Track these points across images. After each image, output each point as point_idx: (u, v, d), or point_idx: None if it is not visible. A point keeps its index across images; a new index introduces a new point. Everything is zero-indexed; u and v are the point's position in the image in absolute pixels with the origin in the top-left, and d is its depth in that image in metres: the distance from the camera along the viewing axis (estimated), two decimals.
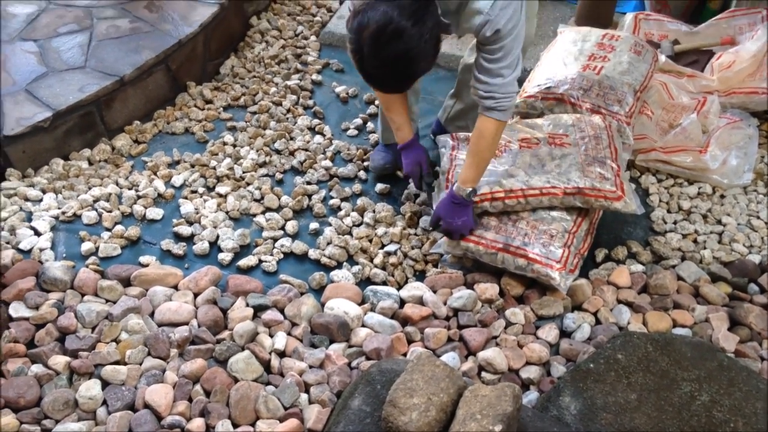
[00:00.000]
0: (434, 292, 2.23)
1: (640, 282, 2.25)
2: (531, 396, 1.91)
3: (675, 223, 2.51)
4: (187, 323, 2.07)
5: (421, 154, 2.41)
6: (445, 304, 2.18)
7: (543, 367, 2.01)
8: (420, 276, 2.35)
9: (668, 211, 2.57)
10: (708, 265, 2.33)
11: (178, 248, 2.34)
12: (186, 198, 2.55)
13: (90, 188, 2.53)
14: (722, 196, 2.62)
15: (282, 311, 2.14)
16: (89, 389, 1.83)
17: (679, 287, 2.24)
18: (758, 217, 2.52)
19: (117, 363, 1.93)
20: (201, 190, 2.59)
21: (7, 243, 2.24)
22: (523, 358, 2.00)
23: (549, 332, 2.09)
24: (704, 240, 2.43)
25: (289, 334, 2.08)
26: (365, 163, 2.76)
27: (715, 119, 2.78)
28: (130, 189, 2.56)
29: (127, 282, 2.18)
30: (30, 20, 3.09)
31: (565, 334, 2.12)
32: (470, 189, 2.19)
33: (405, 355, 2.04)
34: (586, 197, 2.21)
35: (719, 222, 2.51)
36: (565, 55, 2.74)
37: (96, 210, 2.43)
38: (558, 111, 2.57)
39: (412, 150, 2.40)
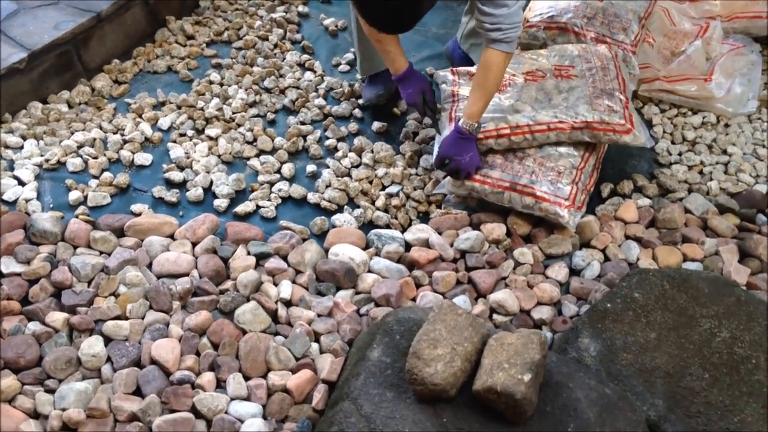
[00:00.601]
0: (439, 233, 2.17)
1: (648, 216, 2.21)
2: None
3: (680, 154, 2.47)
4: (187, 274, 1.99)
5: (422, 80, 2.31)
6: (451, 245, 2.13)
7: (554, 306, 1.98)
8: (424, 218, 2.29)
9: (672, 143, 2.51)
10: (715, 197, 2.30)
11: (171, 195, 2.25)
12: (175, 142, 2.43)
13: (72, 133, 2.41)
14: (727, 125, 2.56)
15: (285, 259, 2.07)
16: (91, 346, 1.77)
17: (688, 220, 2.20)
18: (764, 146, 2.48)
19: (118, 318, 1.86)
20: (190, 132, 2.47)
21: None
22: (534, 299, 1.97)
23: (559, 271, 2.05)
24: (710, 171, 2.39)
25: (294, 282, 2.02)
26: (359, 101, 2.65)
27: (718, 46, 2.70)
28: (115, 133, 2.44)
29: (120, 232, 2.09)
30: None
31: (574, 272, 2.09)
32: (477, 123, 2.11)
33: (414, 300, 2.00)
34: (595, 131, 2.14)
35: (725, 152, 2.47)
36: None
37: (81, 156, 2.32)
38: (561, 41, 2.47)
39: (411, 79, 2.29)
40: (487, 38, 2.00)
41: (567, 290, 2.03)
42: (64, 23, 2.58)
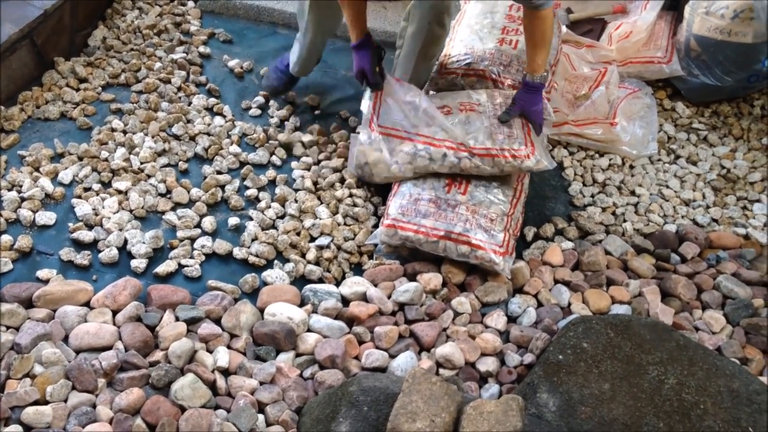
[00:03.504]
0: (375, 286, 2.12)
1: (572, 259, 2.28)
2: (492, 390, 1.88)
3: (593, 196, 2.57)
4: (111, 347, 1.82)
5: (373, 51, 2.35)
6: (389, 298, 2.09)
7: (497, 357, 1.98)
8: (357, 269, 2.24)
9: (584, 184, 2.62)
10: (631, 238, 2.40)
11: (82, 258, 2.06)
12: (80, 197, 2.24)
13: None
14: (632, 167, 2.70)
15: (218, 322, 1.95)
16: None
17: (609, 262, 2.29)
18: (668, 186, 2.64)
19: (37, 403, 1.66)
20: (96, 186, 2.28)
21: None
22: (478, 350, 1.97)
23: (497, 320, 2.06)
24: (623, 212, 2.50)
25: (230, 347, 1.90)
26: (276, 148, 2.56)
27: (616, 90, 2.85)
28: (10, 190, 2.20)
29: (29, 303, 1.89)
30: None
31: (511, 319, 2.11)
32: (544, 73, 2.24)
33: (358, 358, 1.94)
34: (496, 158, 2.20)
35: (633, 193, 2.60)
36: (479, 28, 2.67)
37: None
38: (479, 87, 2.51)
39: (363, 49, 2.33)
40: (532, 5, 2.09)
41: (507, 339, 2.04)
42: None
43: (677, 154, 2.80)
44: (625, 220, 2.47)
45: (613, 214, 2.51)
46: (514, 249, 2.21)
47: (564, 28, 2.97)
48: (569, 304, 2.14)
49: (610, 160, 2.71)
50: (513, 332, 2.03)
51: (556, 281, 2.22)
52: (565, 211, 2.52)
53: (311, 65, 2.75)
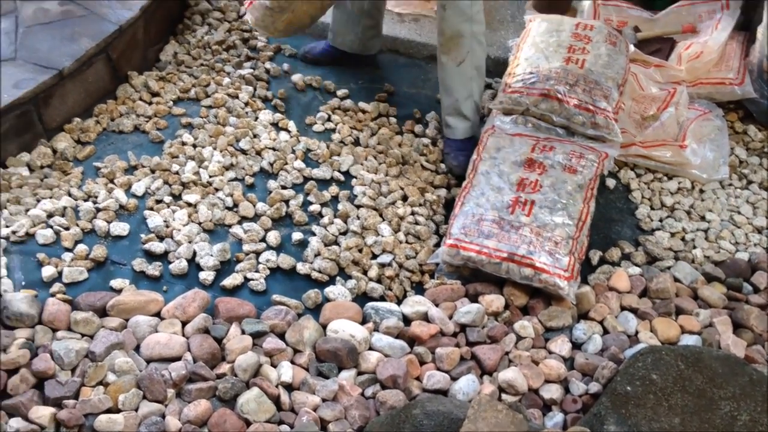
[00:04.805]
0: (436, 305, 2.12)
1: (640, 285, 2.24)
2: (557, 418, 1.86)
3: (661, 220, 2.52)
4: (180, 357, 1.86)
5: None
6: (450, 318, 2.08)
7: (562, 384, 1.95)
8: (418, 288, 2.24)
9: (652, 208, 2.57)
10: (701, 265, 2.35)
11: (153, 268, 2.11)
12: (151, 209, 2.30)
13: (39, 201, 2.23)
14: (702, 191, 2.64)
15: (282, 337, 1.97)
16: None
17: (678, 290, 2.24)
18: (739, 213, 2.57)
19: (110, 411, 1.71)
20: (167, 198, 2.34)
21: None
22: (542, 376, 1.94)
23: (562, 346, 2.03)
24: (692, 238, 2.44)
25: (293, 362, 1.93)
26: (339, 163, 2.58)
27: (685, 111, 2.79)
28: (86, 200, 2.28)
29: (102, 312, 1.94)
30: None
31: (575, 345, 2.08)
32: None
33: (419, 379, 1.94)
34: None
35: (703, 218, 2.54)
36: (544, 46, 2.65)
37: (51, 227, 2.15)
38: (544, 107, 2.49)
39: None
40: None
41: (572, 366, 2.01)
42: (25, 81, 2.41)
43: (749, 179, 2.72)
44: (695, 247, 2.42)
45: (683, 239, 2.45)
46: (579, 273, 2.18)
47: (631, 47, 2.92)
48: (636, 333, 2.09)
49: (679, 183, 2.64)
50: (578, 359, 2.00)
51: (623, 308, 2.18)
52: (632, 235, 2.48)
53: (350, 34, 2.91)
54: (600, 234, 2.45)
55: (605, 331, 2.11)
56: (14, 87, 2.39)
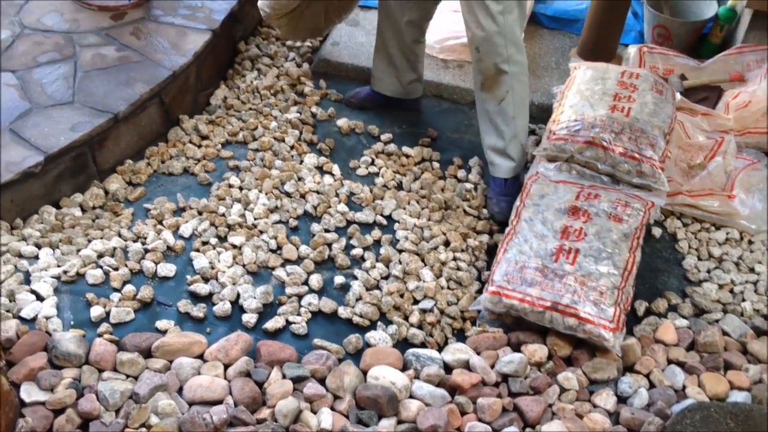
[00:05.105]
0: (478, 354, 2.10)
1: (687, 339, 2.19)
2: None
3: (709, 271, 2.46)
4: (221, 401, 1.88)
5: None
6: (492, 367, 2.06)
7: None
8: (459, 335, 2.23)
9: (699, 258, 2.52)
10: (750, 318, 2.29)
11: (198, 310, 2.14)
12: (198, 250, 2.34)
13: (90, 241, 2.30)
14: (750, 242, 2.58)
15: (322, 382, 1.98)
16: None
17: (727, 344, 2.18)
18: None
19: None
20: (213, 240, 2.38)
21: (8, 311, 2.00)
22: (587, 431, 1.90)
23: (607, 399, 1.99)
24: (741, 290, 2.38)
25: (333, 408, 1.92)
26: (381, 207, 2.60)
27: (733, 160, 2.75)
28: (135, 241, 2.33)
29: (147, 353, 1.97)
30: (4, 48, 2.81)
31: (620, 399, 2.03)
32: None
33: (459, 429, 1.91)
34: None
35: (752, 270, 2.48)
36: (589, 94, 2.65)
37: (101, 267, 2.20)
38: (589, 154, 2.48)
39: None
40: None
41: (617, 420, 1.96)
42: (81, 125, 2.51)
43: None
44: (743, 299, 2.36)
45: (731, 291, 2.40)
46: (625, 324, 2.14)
47: (678, 95, 2.90)
48: (684, 387, 2.04)
49: (727, 233, 2.59)
50: (623, 414, 1.95)
51: (670, 361, 2.13)
52: (679, 285, 2.43)
53: (390, 78, 2.98)
54: (646, 284, 2.41)
55: (651, 385, 2.06)
56: (71, 130, 2.48)
